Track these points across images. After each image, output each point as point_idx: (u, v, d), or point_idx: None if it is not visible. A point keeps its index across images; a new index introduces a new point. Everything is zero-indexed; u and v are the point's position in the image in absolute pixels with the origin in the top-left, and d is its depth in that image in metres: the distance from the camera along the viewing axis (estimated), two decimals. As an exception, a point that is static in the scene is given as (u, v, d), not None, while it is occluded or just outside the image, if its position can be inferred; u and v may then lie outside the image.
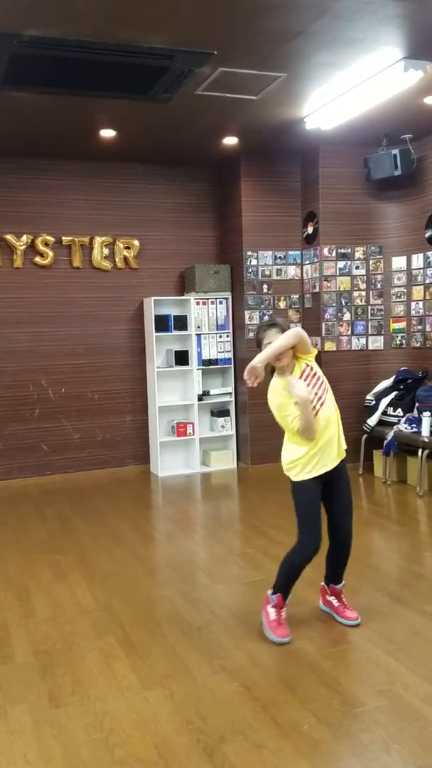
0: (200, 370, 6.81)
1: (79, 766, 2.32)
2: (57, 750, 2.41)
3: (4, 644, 3.24)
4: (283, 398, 3.14)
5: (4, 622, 3.49)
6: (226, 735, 2.46)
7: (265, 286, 6.81)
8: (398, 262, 6.65)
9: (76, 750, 2.41)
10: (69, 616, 3.53)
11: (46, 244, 6.52)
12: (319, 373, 3.21)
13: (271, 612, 3.24)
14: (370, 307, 6.74)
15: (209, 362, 6.87)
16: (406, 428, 5.93)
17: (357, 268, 6.69)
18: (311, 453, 3.15)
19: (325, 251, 6.58)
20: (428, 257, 6.29)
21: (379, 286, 6.74)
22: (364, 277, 6.72)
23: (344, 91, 4.87)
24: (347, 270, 6.66)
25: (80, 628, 3.39)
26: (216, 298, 6.86)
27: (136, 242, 6.82)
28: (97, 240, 6.69)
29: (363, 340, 6.73)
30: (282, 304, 6.88)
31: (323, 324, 6.58)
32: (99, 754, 2.38)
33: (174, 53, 4.10)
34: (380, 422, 6.29)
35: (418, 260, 6.44)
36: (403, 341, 6.65)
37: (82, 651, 3.15)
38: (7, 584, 4.00)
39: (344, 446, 3.26)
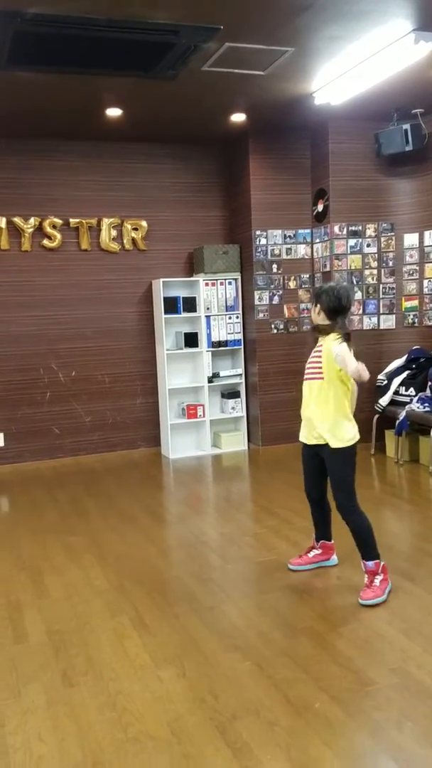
0: (210, 352, 6.78)
1: (92, 744, 2.34)
2: (71, 729, 2.43)
3: (18, 624, 3.27)
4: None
5: (18, 602, 3.52)
6: (239, 713, 2.47)
7: (274, 266, 6.75)
8: (410, 239, 6.56)
9: (89, 728, 2.43)
10: (82, 596, 3.55)
11: (54, 227, 6.48)
12: (324, 354, 3.32)
13: (377, 580, 3.36)
14: (381, 286, 6.67)
15: (219, 344, 6.84)
16: (418, 407, 5.89)
17: (368, 245, 6.61)
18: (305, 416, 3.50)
19: (336, 229, 6.51)
20: (440, 234, 6.22)
21: (390, 264, 6.67)
22: (376, 255, 6.64)
23: (353, 65, 4.78)
24: (358, 248, 6.59)
25: (93, 608, 3.41)
26: (225, 279, 6.81)
27: (144, 223, 6.77)
28: (105, 222, 6.65)
29: (375, 319, 6.67)
30: (292, 284, 6.82)
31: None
32: (112, 733, 2.39)
33: (179, 29, 4.03)
34: (392, 402, 6.25)
35: (430, 237, 6.35)
36: (416, 320, 6.58)
37: (95, 631, 3.16)
38: (21, 565, 4.03)
39: (330, 442, 3.36)
